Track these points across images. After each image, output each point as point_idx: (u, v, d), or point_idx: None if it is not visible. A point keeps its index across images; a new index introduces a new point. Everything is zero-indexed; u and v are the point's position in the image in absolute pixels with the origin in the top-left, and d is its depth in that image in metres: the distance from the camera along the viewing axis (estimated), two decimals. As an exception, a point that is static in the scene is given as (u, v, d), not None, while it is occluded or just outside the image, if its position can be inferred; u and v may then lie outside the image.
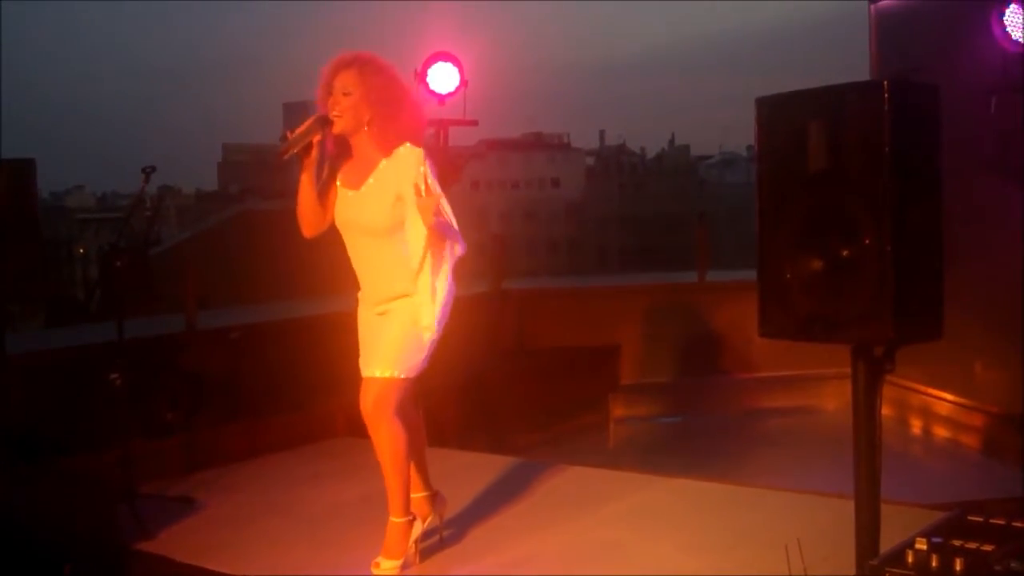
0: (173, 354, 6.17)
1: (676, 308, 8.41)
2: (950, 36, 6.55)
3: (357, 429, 6.58)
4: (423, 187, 3.90)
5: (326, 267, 7.57)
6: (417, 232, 3.97)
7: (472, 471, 5.58)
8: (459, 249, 4.07)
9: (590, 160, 71.57)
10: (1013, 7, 5.91)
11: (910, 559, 2.51)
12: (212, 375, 6.20)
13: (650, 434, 7.87)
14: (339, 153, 4.10)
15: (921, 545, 2.51)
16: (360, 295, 4.20)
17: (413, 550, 4.18)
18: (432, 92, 6.57)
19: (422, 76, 6.54)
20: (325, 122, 3.95)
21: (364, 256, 4.10)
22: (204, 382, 6.13)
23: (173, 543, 4.68)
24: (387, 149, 3.99)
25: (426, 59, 6.57)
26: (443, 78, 6.56)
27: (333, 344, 6.81)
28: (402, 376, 4.01)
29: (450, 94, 6.61)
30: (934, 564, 2.46)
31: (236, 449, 6.11)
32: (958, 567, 2.44)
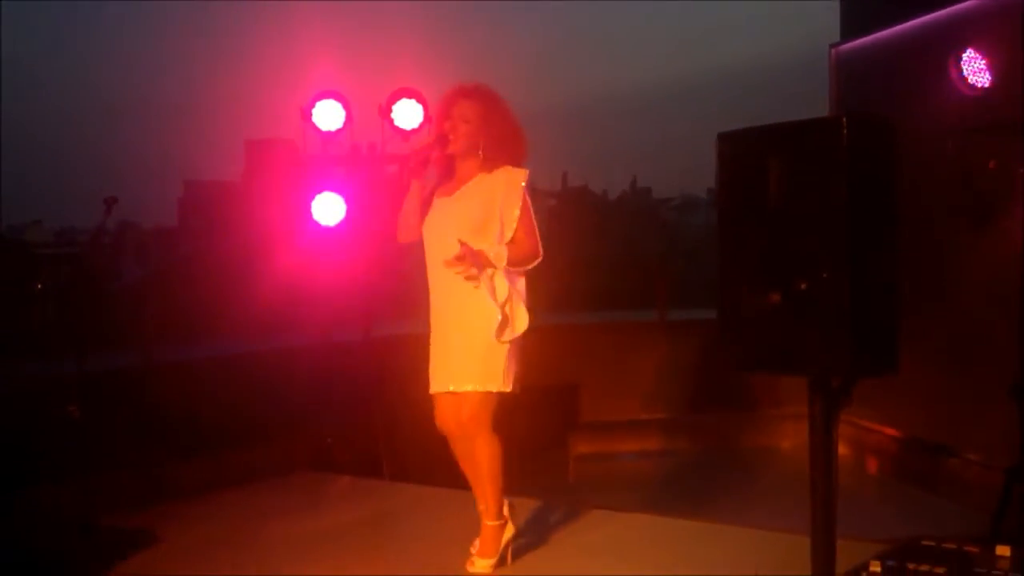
0: (132, 387, 6.13)
1: (637, 346, 8.44)
2: (909, 79, 6.65)
3: (317, 463, 6.61)
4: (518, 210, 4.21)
5: (285, 302, 7.58)
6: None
7: (432, 505, 5.63)
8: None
9: (552, 202, 71.59)
10: (970, 51, 6.02)
11: (864, 582, 2.53)
12: (172, 408, 6.15)
13: (610, 471, 7.87)
14: (443, 172, 4.40)
15: (875, 568, 2.53)
16: (433, 311, 4.36)
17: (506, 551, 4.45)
18: (397, 128, 6.60)
19: (386, 111, 6.56)
20: (444, 143, 4.27)
21: (443, 262, 4.19)
22: (163, 415, 6.09)
23: None
24: (492, 171, 4.27)
25: (391, 94, 6.60)
26: (408, 115, 6.59)
27: (294, 378, 6.82)
28: (495, 391, 4.26)
29: (414, 131, 6.64)
30: (888, 587, 2.49)
31: (195, 483, 6.07)
32: (912, 590, 2.46)
